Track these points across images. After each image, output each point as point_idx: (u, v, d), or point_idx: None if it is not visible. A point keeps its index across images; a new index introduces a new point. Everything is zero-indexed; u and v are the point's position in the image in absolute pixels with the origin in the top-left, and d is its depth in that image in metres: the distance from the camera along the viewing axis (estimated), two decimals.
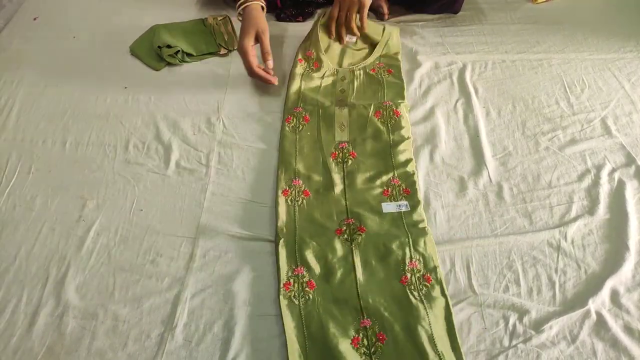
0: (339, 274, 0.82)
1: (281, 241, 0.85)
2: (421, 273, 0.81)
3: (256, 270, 0.84)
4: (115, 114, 1.10)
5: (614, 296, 0.79)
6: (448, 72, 1.19)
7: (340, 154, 1.00)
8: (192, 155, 1.01)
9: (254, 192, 0.95)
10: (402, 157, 0.98)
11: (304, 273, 0.82)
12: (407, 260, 0.82)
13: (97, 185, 0.96)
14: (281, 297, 0.79)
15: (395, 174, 0.96)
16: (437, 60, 1.22)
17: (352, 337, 0.74)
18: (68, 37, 1.31)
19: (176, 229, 0.90)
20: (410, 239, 0.84)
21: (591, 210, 0.91)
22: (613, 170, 0.97)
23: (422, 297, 0.78)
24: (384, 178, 0.95)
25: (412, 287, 0.80)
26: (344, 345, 0.73)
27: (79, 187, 0.96)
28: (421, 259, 0.82)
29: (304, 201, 0.93)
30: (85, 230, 0.89)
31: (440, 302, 0.77)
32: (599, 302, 0.78)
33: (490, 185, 0.96)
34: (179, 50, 1.23)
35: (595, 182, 0.95)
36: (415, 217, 0.89)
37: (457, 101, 1.12)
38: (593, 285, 0.81)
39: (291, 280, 0.81)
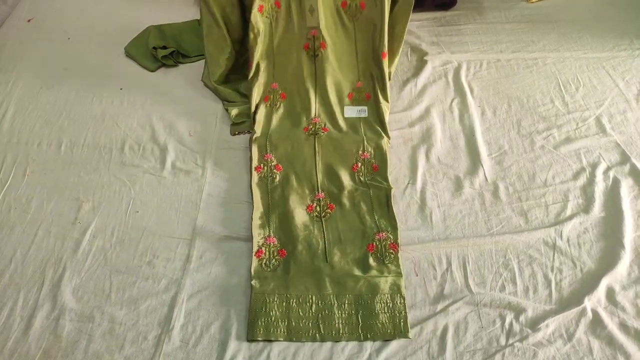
0: (303, 157, 0.99)
1: (254, 136, 1.01)
2: (368, 172, 0.96)
3: None
4: (111, 116, 1.10)
5: (610, 294, 0.80)
6: (443, 71, 1.19)
7: (312, 45, 1.09)
8: (188, 157, 1.01)
9: (250, 193, 0.95)
10: (364, 65, 1.11)
11: (272, 158, 0.99)
12: (360, 152, 0.99)
13: (93, 187, 0.96)
14: (252, 177, 0.95)
15: (360, 77, 1.10)
16: (432, 59, 1.22)
17: (308, 206, 0.92)
18: (63, 39, 1.31)
19: (172, 230, 0.89)
20: (365, 138, 1.01)
21: (586, 208, 0.91)
22: (608, 169, 0.98)
23: (367, 181, 0.94)
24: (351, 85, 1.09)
25: (360, 176, 0.96)
26: (300, 210, 0.91)
27: (74, 189, 0.96)
28: (372, 151, 0.99)
29: (281, 104, 1.06)
30: (81, 233, 0.89)
31: (382, 190, 0.93)
32: (595, 300, 0.79)
33: (486, 184, 0.96)
34: (174, 51, 1.22)
35: (591, 181, 0.96)
36: (374, 122, 1.04)
37: (452, 101, 1.12)
38: (589, 284, 0.81)
39: (262, 165, 0.97)
